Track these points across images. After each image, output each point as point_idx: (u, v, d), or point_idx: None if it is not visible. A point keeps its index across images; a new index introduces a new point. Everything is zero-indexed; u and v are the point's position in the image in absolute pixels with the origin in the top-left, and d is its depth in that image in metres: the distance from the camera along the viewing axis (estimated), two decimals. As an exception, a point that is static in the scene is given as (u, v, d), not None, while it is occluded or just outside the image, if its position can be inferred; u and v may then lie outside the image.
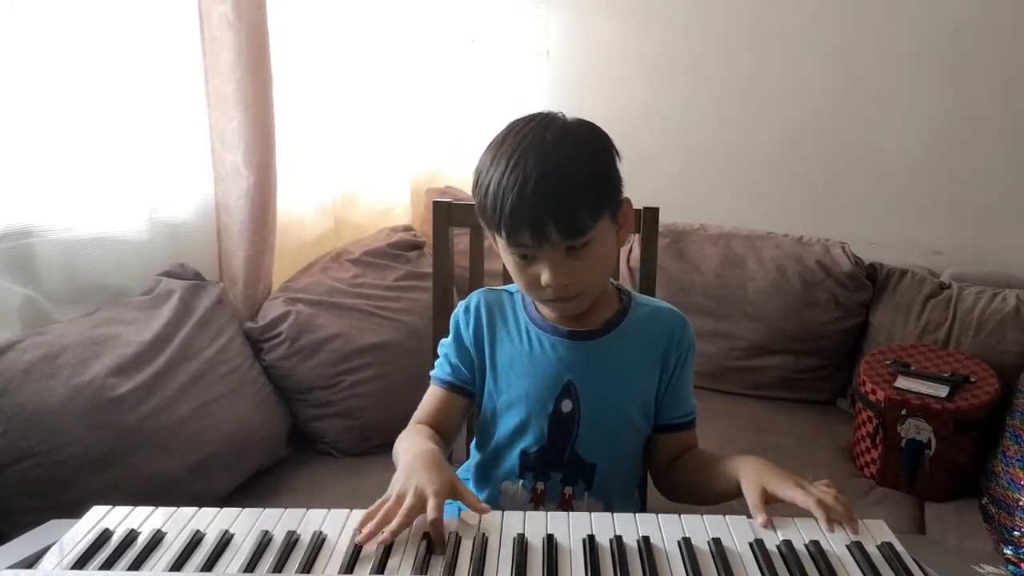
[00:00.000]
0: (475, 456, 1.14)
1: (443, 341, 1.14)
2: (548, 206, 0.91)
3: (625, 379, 1.06)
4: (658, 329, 1.08)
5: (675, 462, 1.10)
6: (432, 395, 1.13)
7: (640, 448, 1.12)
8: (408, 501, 0.86)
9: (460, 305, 1.13)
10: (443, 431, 1.09)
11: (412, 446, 0.99)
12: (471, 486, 1.14)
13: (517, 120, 0.99)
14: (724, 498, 0.99)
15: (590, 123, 1.01)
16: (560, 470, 1.07)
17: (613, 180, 0.99)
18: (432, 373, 1.14)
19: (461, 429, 1.15)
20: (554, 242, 0.93)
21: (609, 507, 1.06)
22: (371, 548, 0.83)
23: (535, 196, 0.91)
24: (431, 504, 0.85)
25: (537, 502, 1.07)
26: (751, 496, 0.92)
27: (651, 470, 1.15)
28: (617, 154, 1.00)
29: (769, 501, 0.91)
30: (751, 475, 0.95)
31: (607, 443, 1.07)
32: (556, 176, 0.92)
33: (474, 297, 1.13)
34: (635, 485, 1.15)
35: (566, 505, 1.07)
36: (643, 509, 1.22)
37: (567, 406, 1.05)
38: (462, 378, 1.11)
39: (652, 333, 1.08)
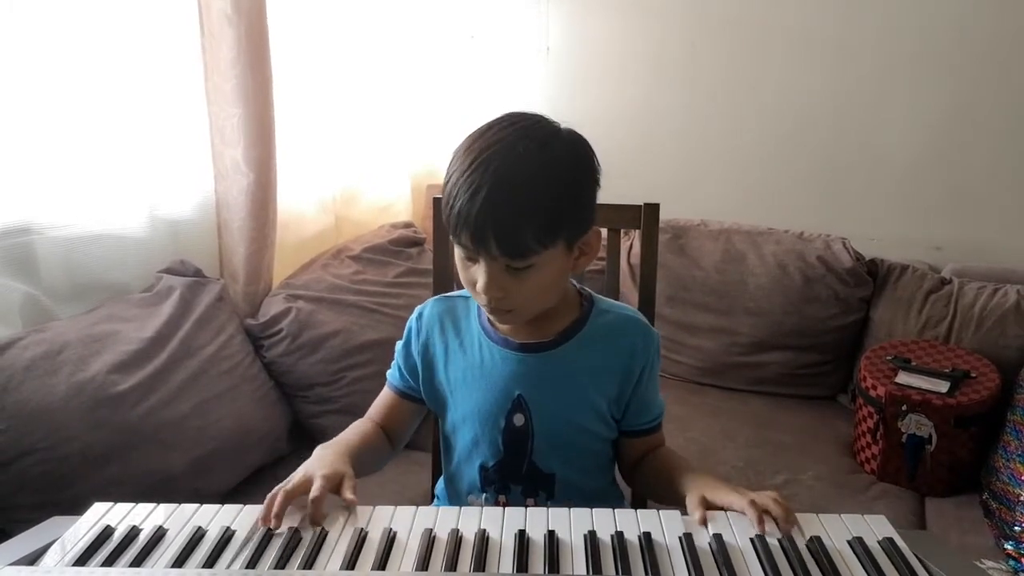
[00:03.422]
0: (444, 472, 1.14)
1: (398, 344, 1.12)
2: (493, 220, 0.87)
3: (579, 390, 1.03)
4: (619, 339, 1.04)
5: (639, 463, 1.09)
6: (383, 397, 1.14)
7: (605, 452, 1.10)
8: (294, 482, 0.91)
9: (415, 311, 1.11)
10: (391, 431, 1.11)
11: (335, 440, 1.03)
12: (445, 497, 1.14)
13: (508, 115, 0.94)
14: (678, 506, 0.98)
15: (577, 140, 0.95)
16: (520, 482, 1.06)
17: (577, 209, 0.93)
18: (387, 374, 1.14)
19: (411, 431, 1.15)
20: (494, 255, 0.90)
21: None
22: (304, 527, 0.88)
23: (483, 206, 0.87)
24: (316, 485, 0.89)
25: None
26: (690, 501, 0.93)
27: (619, 468, 1.14)
28: (597, 181, 0.96)
29: (709, 507, 0.92)
30: (694, 489, 0.96)
31: (564, 453, 1.05)
32: (510, 194, 0.87)
33: (427, 307, 1.11)
34: (605, 488, 1.13)
35: None
36: (633, 505, 1.22)
37: (519, 420, 1.03)
38: (409, 385, 1.11)
39: (612, 342, 1.04)
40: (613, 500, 1.14)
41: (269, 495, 0.90)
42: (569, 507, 0.92)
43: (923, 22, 2.11)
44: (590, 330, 1.04)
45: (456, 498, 1.12)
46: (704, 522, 0.89)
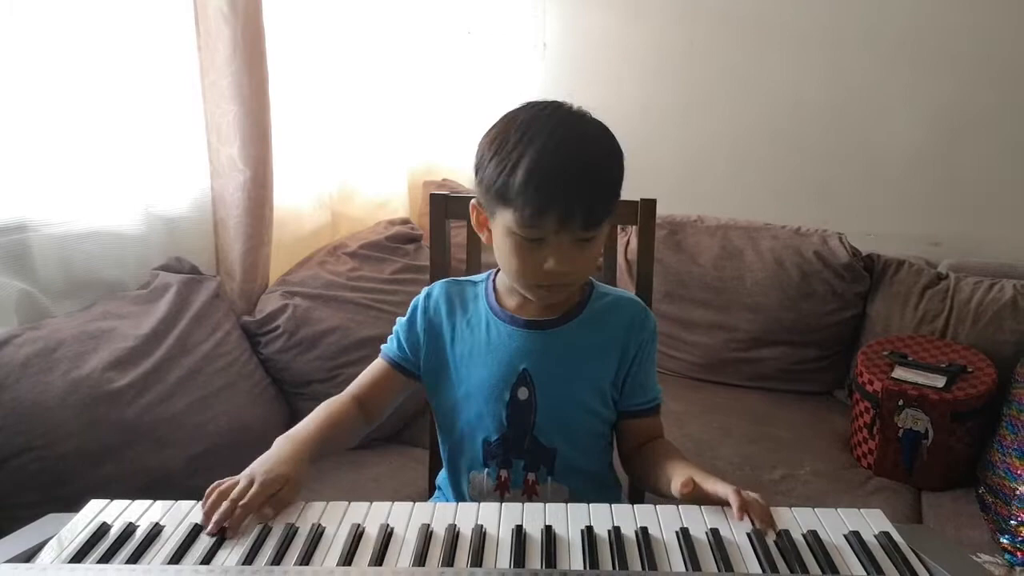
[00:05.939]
0: (443, 451, 1.15)
1: (399, 320, 1.15)
2: (583, 196, 0.93)
3: (581, 366, 1.07)
4: (617, 319, 1.09)
5: (637, 451, 1.11)
6: (374, 368, 1.15)
7: (604, 433, 1.13)
8: (240, 486, 0.90)
9: (423, 291, 1.15)
10: (371, 404, 1.12)
11: (296, 431, 1.02)
12: (446, 485, 1.15)
13: (537, 103, 0.99)
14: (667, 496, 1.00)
15: (599, 120, 1.02)
16: (522, 457, 1.08)
17: (623, 179, 1.02)
18: (382, 347, 1.16)
19: (392, 407, 1.16)
20: (573, 231, 0.94)
21: (575, 491, 1.08)
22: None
23: (574, 184, 0.93)
24: (252, 491, 0.89)
25: (502, 490, 1.09)
26: (677, 479, 0.94)
27: (619, 455, 1.17)
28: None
29: (695, 493, 0.93)
30: (684, 471, 0.97)
31: (565, 428, 1.08)
32: (595, 169, 0.95)
33: (436, 287, 1.14)
34: (604, 470, 1.16)
35: (530, 491, 1.08)
36: (630, 495, 1.23)
37: (523, 393, 1.06)
38: (405, 357, 1.13)
39: (611, 322, 1.08)
40: (611, 486, 1.16)
41: (212, 497, 0.89)
42: (566, 501, 0.93)
43: (920, 19, 2.11)
44: (591, 310, 1.09)
45: (457, 477, 1.13)
46: (688, 490, 0.91)
